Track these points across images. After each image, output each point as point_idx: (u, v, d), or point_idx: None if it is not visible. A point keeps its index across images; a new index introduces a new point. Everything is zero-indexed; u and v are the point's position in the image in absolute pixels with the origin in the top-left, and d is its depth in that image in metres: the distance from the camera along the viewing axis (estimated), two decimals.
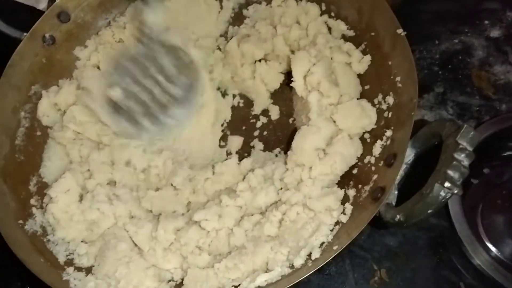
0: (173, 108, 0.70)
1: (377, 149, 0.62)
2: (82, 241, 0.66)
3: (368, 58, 0.68)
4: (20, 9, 0.80)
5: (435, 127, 0.52)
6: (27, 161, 0.71)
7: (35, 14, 0.78)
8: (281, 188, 0.64)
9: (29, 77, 0.74)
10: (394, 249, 0.69)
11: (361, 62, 0.68)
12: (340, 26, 0.73)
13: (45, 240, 0.65)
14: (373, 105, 0.66)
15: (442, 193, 0.46)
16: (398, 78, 0.62)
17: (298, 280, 0.52)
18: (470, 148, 0.47)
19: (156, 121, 0.70)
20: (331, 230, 0.58)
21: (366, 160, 0.63)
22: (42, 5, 0.84)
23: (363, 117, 0.63)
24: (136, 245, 0.64)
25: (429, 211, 0.47)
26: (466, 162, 0.47)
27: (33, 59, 0.74)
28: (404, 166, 0.55)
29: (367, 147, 0.64)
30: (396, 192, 0.55)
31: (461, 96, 0.78)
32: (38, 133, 0.74)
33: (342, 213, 0.59)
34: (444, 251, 0.68)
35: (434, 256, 0.68)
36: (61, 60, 0.77)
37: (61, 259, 0.64)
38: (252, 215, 0.64)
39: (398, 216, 0.49)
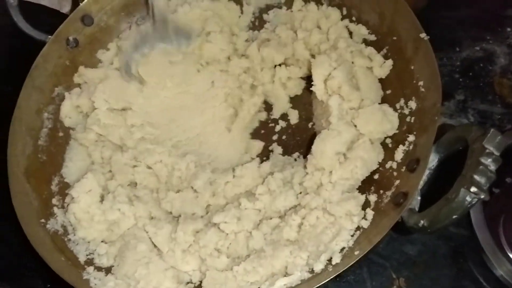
0: None
1: (399, 154, 0.61)
2: (102, 241, 0.66)
3: (389, 62, 0.67)
4: (45, 12, 0.82)
5: (460, 132, 0.51)
6: (49, 161, 0.72)
7: (59, 17, 0.79)
8: (301, 192, 0.64)
9: (52, 79, 0.75)
10: (413, 257, 0.67)
11: (383, 67, 0.68)
12: (361, 31, 0.73)
13: (66, 239, 0.66)
14: (395, 110, 0.65)
15: (468, 198, 0.45)
16: (421, 83, 0.62)
17: (317, 285, 0.52)
18: (497, 153, 0.46)
19: None
20: (352, 236, 0.57)
21: (387, 165, 0.62)
22: (66, 9, 0.86)
23: (384, 122, 0.62)
24: (155, 246, 0.65)
25: (454, 217, 0.46)
26: (492, 167, 0.46)
27: (56, 61, 0.75)
28: (427, 172, 0.54)
29: (388, 152, 0.63)
30: (419, 198, 0.54)
31: (482, 104, 0.77)
32: (61, 134, 0.75)
33: (363, 218, 0.59)
34: (464, 261, 0.66)
35: (454, 265, 0.66)
36: (83, 63, 0.78)
37: (82, 258, 0.64)
38: (271, 218, 0.63)
39: (422, 222, 0.48)
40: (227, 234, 0.62)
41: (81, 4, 0.77)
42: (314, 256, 0.56)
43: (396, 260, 0.68)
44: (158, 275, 0.61)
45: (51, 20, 0.81)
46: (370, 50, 0.70)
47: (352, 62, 0.69)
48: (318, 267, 0.55)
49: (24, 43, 0.75)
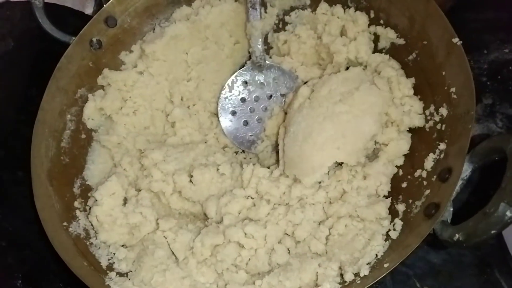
0: None
1: (429, 162, 0.59)
2: (122, 246, 0.66)
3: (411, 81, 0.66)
4: (69, 13, 0.82)
5: (497, 142, 0.49)
6: (71, 163, 0.72)
7: (83, 18, 0.79)
8: (325, 202, 0.63)
9: (76, 80, 0.75)
10: (438, 266, 0.65)
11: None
12: (389, 34, 0.70)
13: (87, 243, 0.66)
14: (426, 116, 0.63)
15: (509, 213, 0.43)
16: (452, 89, 0.59)
17: None
18: None
19: None
20: (382, 246, 0.56)
21: (416, 174, 0.60)
22: (89, 10, 0.86)
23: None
24: (173, 253, 0.64)
25: (492, 232, 0.44)
26: None
27: (80, 63, 0.75)
28: (460, 182, 0.52)
29: (418, 161, 0.61)
30: (451, 209, 0.52)
31: (511, 109, 0.74)
32: (83, 136, 0.75)
33: (392, 229, 0.57)
34: (491, 270, 0.64)
35: (480, 275, 0.64)
36: (107, 64, 0.78)
37: (104, 263, 0.64)
38: (293, 232, 0.62)
39: (457, 236, 0.46)
40: (248, 250, 0.61)
41: (105, 5, 0.77)
42: (349, 263, 0.55)
43: (420, 269, 0.65)
44: (174, 283, 0.60)
45: (75, 21, 0.81)
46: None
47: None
48: (363, 270, 0.54)
49: (49, 45, 0.75)
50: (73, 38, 0.74)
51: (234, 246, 0.61)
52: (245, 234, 0.60)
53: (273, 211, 0.63)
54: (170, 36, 0.75)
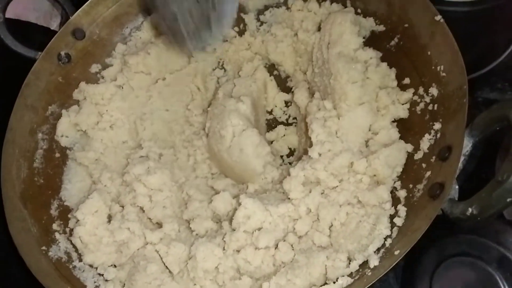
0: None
1: (425, 144, 0.57)
2: (110, 265, 0.60)
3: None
4: (33, 29, 0.78)
5: (499, 110, 0.47)
6: (46, 184, 0.67)
7: (48, 34, 0.75)
8: (323, 192, 0.59)
9: (45, 97, 0.71)
10: None
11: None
12: (369, 22, 0.69)
13: (70, 266, 0.60)
14: (415, 100, 0.62)
15: None
16: (440, 67, 0.58)
17: None
18: None
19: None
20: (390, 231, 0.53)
21: (415, 157, 0.58)
22: (54, 25, 0.82)
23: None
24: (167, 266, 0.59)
25: (508, 199, 0.41)
26: None
27: (49, 78, 0.71)
28: (462, 158, 0.50)
29: (413, 144, 0.59)
30: (457, 187, 0.50)
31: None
32: (57, 155, 0.70)
33: (397, 216, 0.54)
34: None
35: None
36: (77, 79, 0.74)
37: (90, 286, 0.59)
38: (294, 229, 0.58)
39: (470, 210, 0.44)
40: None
41: (71, 17, 0.73)
42: (358, 252, 0.52)
43: None
44: None
45: (40, 37, 0.77)
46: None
47: None
48: (372, 260, 0.51)
49: (13, 62, 0.71)
50: (39, 53, 0.71)
51: (236, 257, 0.57)
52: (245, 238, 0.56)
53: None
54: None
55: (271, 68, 0.78)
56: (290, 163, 0.70)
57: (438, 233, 0.58)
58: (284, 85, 0.78)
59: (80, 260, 0.60)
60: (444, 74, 0.58)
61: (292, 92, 0.74)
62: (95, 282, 0.59)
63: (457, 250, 0.58)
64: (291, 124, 0.75)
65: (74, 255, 0.61)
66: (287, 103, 0.77)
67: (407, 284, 0.63)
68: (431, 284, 0.58)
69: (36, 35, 0.77)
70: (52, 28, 0.81)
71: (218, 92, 0.72)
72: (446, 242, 0.59)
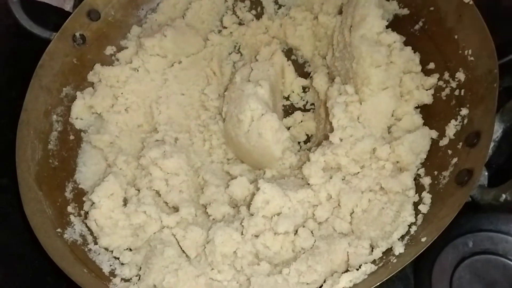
0: None
1: (451, 130, 0.56)
2: (126, 249, 0.59)
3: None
4: (48, 10, 0.76)
5: None
6: (61, 166, 0.66)
7: (63, 15, 0.74)
8: (344, 178, 0.58)
9: (60, 78, 0.69)
10: None
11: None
12: (392, 6, 0.67)
13: (86, 249, 0.60)
14: (440, 85, 0.60)
15: None
16: (468, 51, 0.56)
17: (386, 278, 0.45)
18: None
19: None
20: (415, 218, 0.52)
21: (440, 144, 0.56)
22: (68, 6, 0.80)
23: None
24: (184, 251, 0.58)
25: None
26: None
27: (63, 60, 0.70)
28: (491, 144, 0.48)
29: (438, 130, 0.57)
30: (486, 173, 0.48)
31: None
32: (72, 137, 0.70)
33: (422, 203, 0.53)
34: None
35: None
36: (92, 61, 0.73)
37: (106, 269, 0.58)
38: (314, 215, 0.57)
39: (504, 196, 0.42)
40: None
41: None
42: (381, 239, 0.51)
43: None
44: (189, 283, 0.55)
45: (54, 18, 0.75)
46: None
47: None
48: (397, 248, 0.50)
49: (28, 43, 0.69)
50: (54, 33, 0.69)
51: (254, 242, 0.56)
52: (264, 223, 0.55)
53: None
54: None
55: (289, 52, 0.77)
56: (308, 150, 0.69)
57: (457, 231, 0.57)
58: (301, 70, 0.76)
59: (96, 243, 0.60)
60: (472, 58, 0.56)
61: (311, 77, 0.73)
62: (110, 265, 0.59)
63: (479, 248, 0.56)
64: (308, 110, 0.74)
65: (90, 238, 0.61)
66: (304, 89, 0.75)
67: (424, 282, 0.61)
68: (451, 283, 0.57)
69: (51, 16, 0.76)
70: (66, 10, 0.80)
71: (235, 76, 0.71)
72: (466, 239, 0.57)
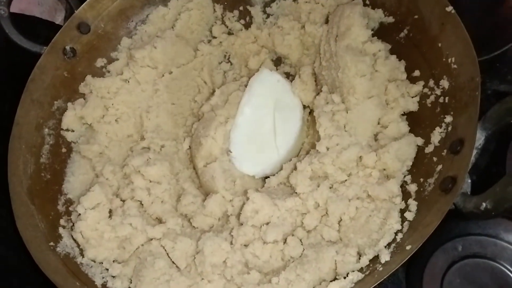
0: None
1: (435, 137, 0.57)
2: (114, 261, 0.60)
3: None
4: (38, 24, 0.77)
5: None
6: (53, 180, 0.67)
7: (53, 28, 0.74)
8: (331, 187, 0.59)
9: (51, 91, 0.70)
10: None
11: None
12: (377, 14, 0.68)
13: (78, 262, 0.60)
14: (425, 93, 0.61)
15: None
16: (451, 59, 0.57)
17: (372, 286, 0.46)
18: None
19: None
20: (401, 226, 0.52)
21: (426, 151, 0.57)
22: (59, 18, 0.81)
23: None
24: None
25: None
26: None
27: (54, 73, 0.70)
28: (474, 151, 0.49)
29: (423, 138, 0.58)
30: (469, 181, 0.49)
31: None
32: (63, 150, 0.70)
33: (407, 210, 0.53)
34: None
35: None
36: (83, 73, 0.73)
37: (98, 281, 0.58)
38: (302, 223, 0.58)
39: (484, 204, 0.43)
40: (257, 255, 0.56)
41: (76, 11, 0.72)
42: (368, 247, 0.52)
43: None
44: None
45: (45, 31, 0.76)
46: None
47: None
48: (384, 255, 0.50)
49: (18, 57, 0.70)
50: (45, 47, 0.70)
51: (244, 252, 0.56)
52: (253, 232, 0.56)
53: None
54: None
55: (278, 61, 0.78)
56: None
57: (447, 236, 0.58)
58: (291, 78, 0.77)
59: (84, 256, 0.60)
60: (455, 66, 0.57)
61: None
62: (103, 278, 0.59)
63: (468, 252, 0.57)
64: None
65: (76, 250, 0.61)
66: None
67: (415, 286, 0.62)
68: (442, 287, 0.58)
69: (41, 30, 0.77)
70: (57, 23, 0.81)
71: (217, 90, 0.71)
72: (456, 243, 0.58)
